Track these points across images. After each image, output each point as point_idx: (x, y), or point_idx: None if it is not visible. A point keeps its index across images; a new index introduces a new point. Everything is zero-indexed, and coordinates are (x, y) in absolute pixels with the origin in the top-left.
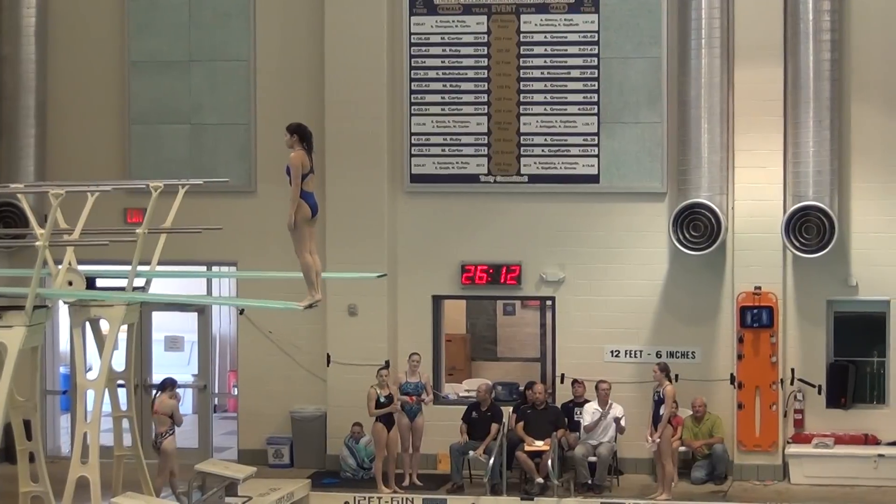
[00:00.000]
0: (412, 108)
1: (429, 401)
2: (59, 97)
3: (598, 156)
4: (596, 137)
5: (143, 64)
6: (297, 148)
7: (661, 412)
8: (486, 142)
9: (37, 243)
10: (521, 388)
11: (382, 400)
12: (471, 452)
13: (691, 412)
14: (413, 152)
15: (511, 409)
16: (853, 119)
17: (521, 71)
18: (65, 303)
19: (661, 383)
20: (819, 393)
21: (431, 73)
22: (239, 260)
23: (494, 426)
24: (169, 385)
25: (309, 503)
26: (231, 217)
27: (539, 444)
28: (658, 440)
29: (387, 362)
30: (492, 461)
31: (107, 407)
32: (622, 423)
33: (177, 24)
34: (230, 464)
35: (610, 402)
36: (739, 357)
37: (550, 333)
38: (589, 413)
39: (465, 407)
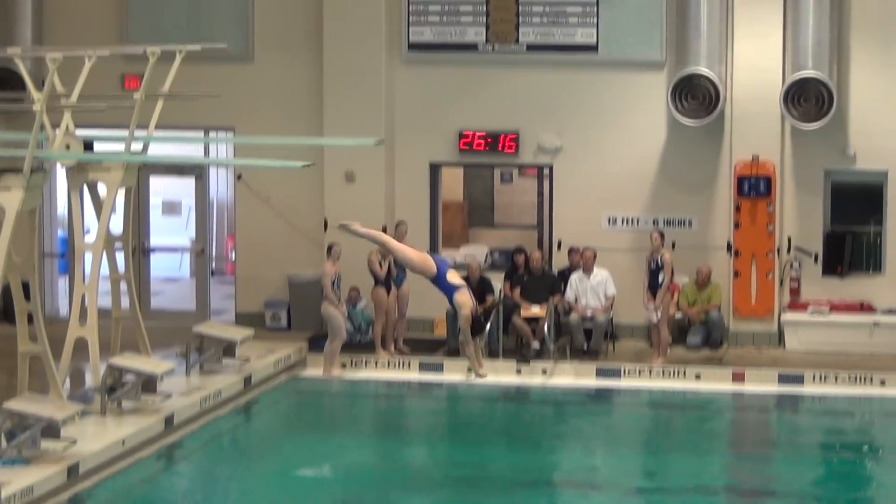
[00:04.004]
0: None
1: None
2: None
3: (596, 25)
4: (595, 6)
5: None
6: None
7: (660, 280)
8: (484, 10)
9: (34, 107)
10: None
11: (383, 265)
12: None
13: (690, 279)
14: (411, 21)
15: (503, 275)
16: None
17: None
18: (62, 166)
19: (657, 250)
20: (815, 261)
21: None
22: (236, 125)
23: (490, 297)
24: (327, 250)
25: (306, 365)
26: (229, 84)
27: (535, 310)
28: (659, 308)
29: (384, 228)
30: (488, 326)
31: (105, 270)
32: (609, 288)
33: None
34: (228, 326)
35: (594, 269)
36: (736, 226)
37: (548, 201)
38: (573, 282)
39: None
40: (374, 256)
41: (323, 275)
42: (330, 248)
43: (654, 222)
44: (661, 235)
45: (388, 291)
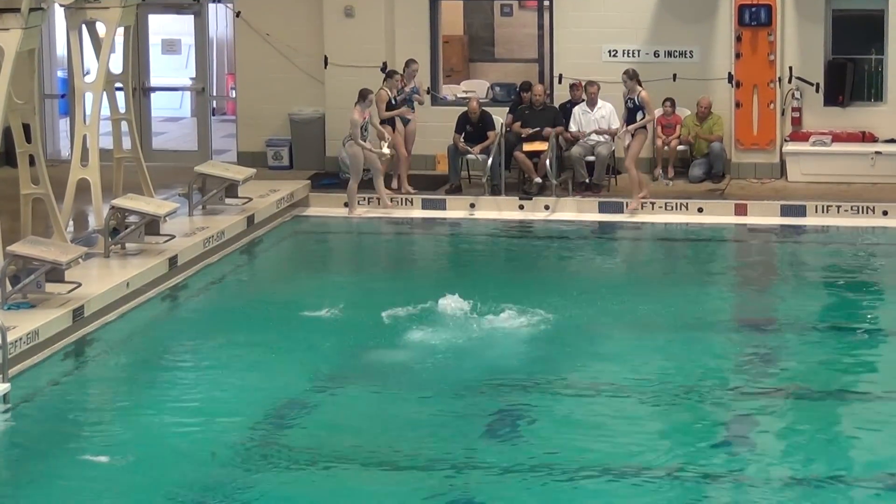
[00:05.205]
0: None
1: (422, 99)
2: None
3: None
4: None
5: None
6: None
7: (637, 118)
8: None
9: None
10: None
11: (394, 102)
12: (469, 148)
13: (693, 111)
14: None
15: (507, 109)
16: None
17: None
18: (61, 5)
19: (631, 90)
20: (817, 91)
21: None
22: None
23: (491, 134)
24: (359, 96)
25: (308, 204)
26: None
27: (538, 144)
28: (626, 130)
29: (384, 64)
30: (490, 161)
31: (105, 111)
32: (612, 122)
33: None
34: (230, 165)
35: (599, 102)
36: (738, 56)
37: (548, 34)
38: (577, 115)
39: (463, 110)
40: (385, 93)
41: (351, 123)
42: (362, 94)
43: (654, 54)
44: (630, 75)
45: (394, 129)
